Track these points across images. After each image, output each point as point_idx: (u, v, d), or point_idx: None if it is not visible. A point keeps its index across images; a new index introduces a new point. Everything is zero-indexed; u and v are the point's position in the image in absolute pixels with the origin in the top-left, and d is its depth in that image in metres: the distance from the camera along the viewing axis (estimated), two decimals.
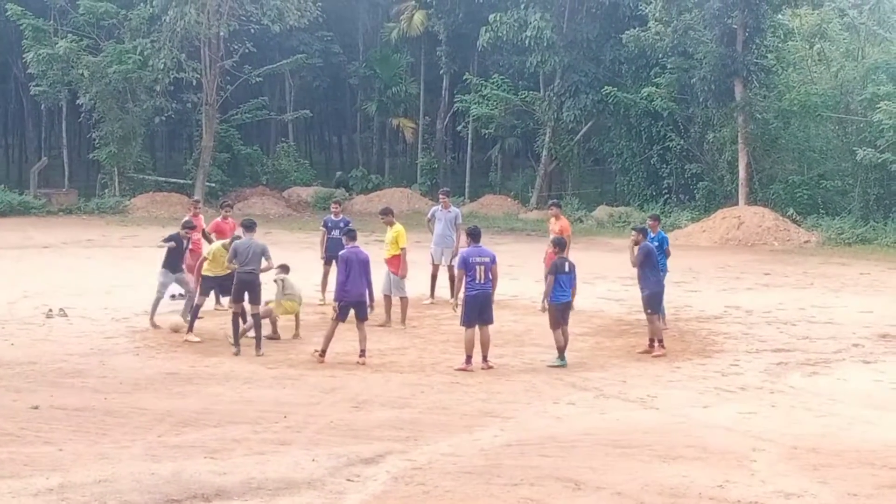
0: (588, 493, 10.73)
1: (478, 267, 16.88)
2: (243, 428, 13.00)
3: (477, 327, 16.98)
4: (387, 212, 21.94)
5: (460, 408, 14.35)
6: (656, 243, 19.73)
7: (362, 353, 17.30)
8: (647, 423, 13.64)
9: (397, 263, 20.96)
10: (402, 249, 21.01)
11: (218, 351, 18.08)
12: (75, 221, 44.64)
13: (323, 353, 17.32)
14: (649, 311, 18.55)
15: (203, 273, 19.70)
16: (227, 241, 19.60)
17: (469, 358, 16.85)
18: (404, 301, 20.99)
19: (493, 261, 17.14)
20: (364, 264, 17.61)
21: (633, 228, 19.94)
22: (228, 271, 18.73)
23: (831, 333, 20.55)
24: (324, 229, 23.48)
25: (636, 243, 18.94)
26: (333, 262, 22.81)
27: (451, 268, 22.98)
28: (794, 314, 22.86)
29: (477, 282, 16.90)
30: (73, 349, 18.01)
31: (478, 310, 16.94)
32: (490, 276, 17.02)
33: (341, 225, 22.97)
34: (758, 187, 43.41)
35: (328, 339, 17.38)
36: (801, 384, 16.34)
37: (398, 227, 21.30)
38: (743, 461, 11.89)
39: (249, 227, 18.67)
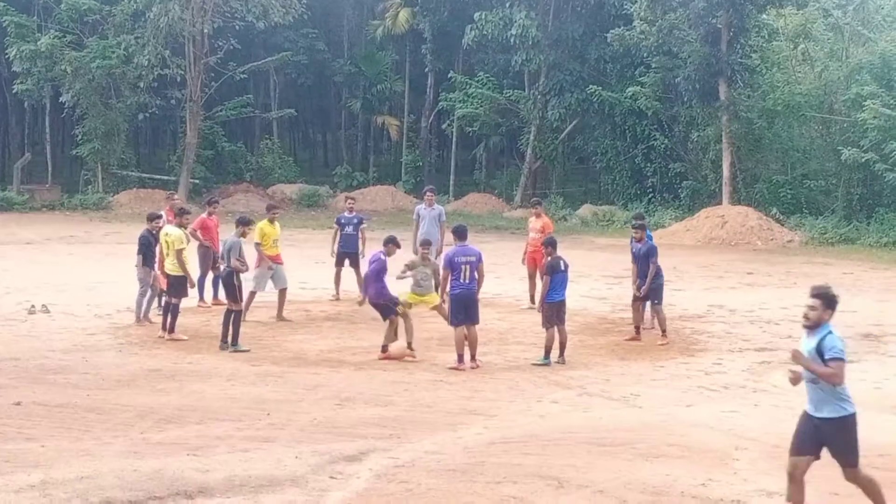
0: (570, 492, 10.74)
1: (463, 266, 16.86)
2: (226, 425, 12.98)
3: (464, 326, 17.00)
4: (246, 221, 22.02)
5: (444, 406, 14.35)
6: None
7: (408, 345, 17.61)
8: (630, 422, 13.66)
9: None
10: (257, 244, 21.19)
11: (201, 348, 18.05)
12: (58, 217, 44.54)
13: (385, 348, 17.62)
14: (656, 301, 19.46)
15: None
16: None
17: (461, 357, 16.84)
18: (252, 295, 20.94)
19: (480, 259, 17.13)
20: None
21: (633, 226, 20.41)
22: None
23: None
24: (336, 226, 23.49)
25: (638, 240, 19.74)
26: (346, 259, 23.11)
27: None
28: (777, 313, 22.93)
29: (462, 281, 16.89)
30: (56, 345, 17.97)
31: (463, 308, 16.93)
32: (476, 276, 17.05)
33: (355, 221, 23.21)
34: (741, 187, 43.54)
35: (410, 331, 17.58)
36: (784, 383, 16.35)
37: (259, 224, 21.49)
38: (725, 460, 11.92)
39: (235, 223, 18.72)
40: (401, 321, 17.54)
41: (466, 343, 16.91)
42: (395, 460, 11.63)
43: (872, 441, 12.87)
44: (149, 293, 20.23)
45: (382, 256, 17.86)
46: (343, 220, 23.47)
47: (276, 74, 62.32)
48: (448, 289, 17.09)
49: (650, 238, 20.27)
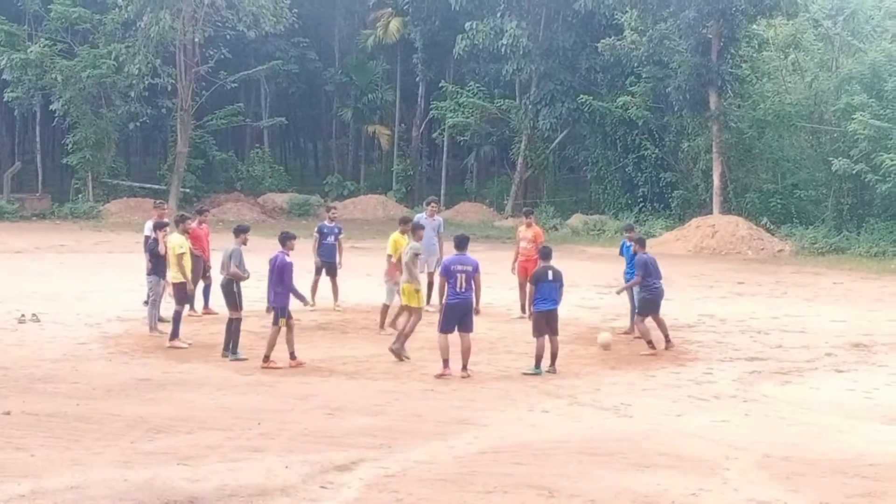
0: (562, 501, 10.74)
1: (459, 275, 16.89)
2: (217, 434, 12.96)
3: (458, 335, 16.99)
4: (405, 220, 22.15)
5: (434, 415, 14.34)
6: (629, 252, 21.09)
7: (291, 355, 17.46)
8: (620, 431, 13.66)
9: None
10: (389, 256, 21.13)
11: (191, 357, 18.02)
12: (49, 226, 44.45)
13: (293, 356, 17.45)
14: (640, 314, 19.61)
15: None
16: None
17: (446, 362, 16.86)
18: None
19: (476, 269, 17.15)
20: (279, 270, 17.51)
21: (635, 240, 20.66)
22: None
23: (804, 342, 20.64)
24: (317, 235, 23.62)
25: (634, 252, 20.12)
26: (324, 269, 23.29)
27: (430, 274, 23.16)
28: (768, 323, 22.95)
29: (458, 290, 16.91)
30: (46, 355, 17.92)
31: (457, 318, 16.95)
32: (472, 285, 17.06)
33: (336, 231, 23.38)
34: (732, 196, 43.58)
35: (271, 345, 17.42)
36: (774, 393, 16.41)
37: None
38: (716, 469, 11.93)
39: (233, 232, 18.74)
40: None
41: (461, 349, 16.95)
42: (385, 470, 11.63)
43: (862, 450, 12.92)
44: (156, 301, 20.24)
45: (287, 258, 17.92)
46: (325, 230, 23.64)
47: (267, 83, 62.24)
48: (444, 296, 17.15)
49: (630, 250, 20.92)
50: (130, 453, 12.03)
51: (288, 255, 17.71)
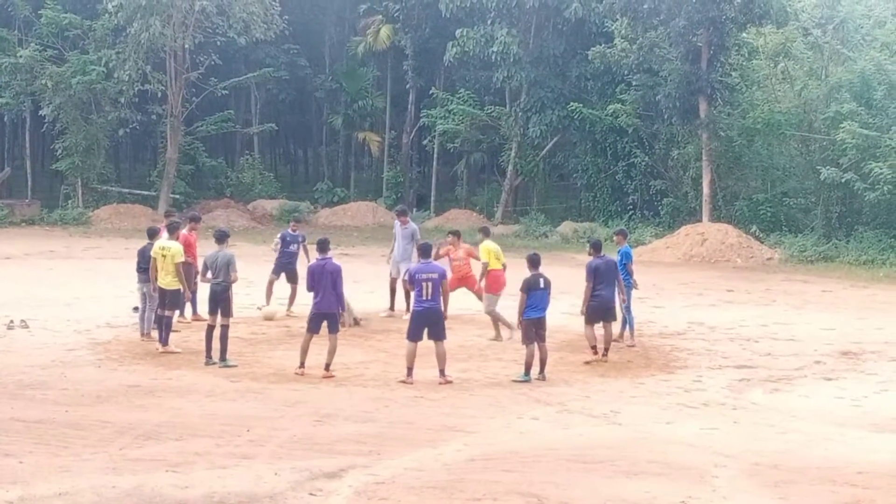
0: None
1: (424, 283, 16.92)
2: (205, 441, 12.94)
3: (433, 343, 17.04)
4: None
5: (424, 422, 14.34)
6: (618, 257, 20.82)
7: (327, 366, 17.29)
8: (610, 439, 13.68)
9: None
10: (483, 264, 21.49)
11: (180, 364, 17.99)
12: (38, 232, 44.36)
13: (301, 365, 17.41)
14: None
15: None
16: None
17: (410, 370, 16.95)
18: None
19: (443, 276, 17.19)
20: (333, 275, 17.47)
21: (590, 244, 20.44)
22: None
23: (793, 350, 20.67)
24: (280, 242, 24.06)
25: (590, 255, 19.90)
26: (283, 274, 23.58)
27: (394, 280, 23.63)
28: (757, 331, 22.98)
29: (424, 298, 16.95)
30: (35, 361, 17.88)
31: (424, 325, 16.98)
32: (440, 292, 17.06)
33: (299, 239, 23.98)
34: (721, 204, 43.67)
35: (303, 351, 17.42)
36: (763, 400, 16.43)
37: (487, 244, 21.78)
38: (705, 477, 11.94)
39: (219, 238, 18.68)
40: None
41: (436, 356, 17.00)
42: (374, 477, 11.62)
43: (851, 459, 12.94)
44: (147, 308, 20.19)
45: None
46: (289, 238, 24.16)
47: (257, 90, 62.26)
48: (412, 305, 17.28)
49: (626, 256, 20.89)
50: (119, 460, 12.01)
51: (333, 259, 17.77)
